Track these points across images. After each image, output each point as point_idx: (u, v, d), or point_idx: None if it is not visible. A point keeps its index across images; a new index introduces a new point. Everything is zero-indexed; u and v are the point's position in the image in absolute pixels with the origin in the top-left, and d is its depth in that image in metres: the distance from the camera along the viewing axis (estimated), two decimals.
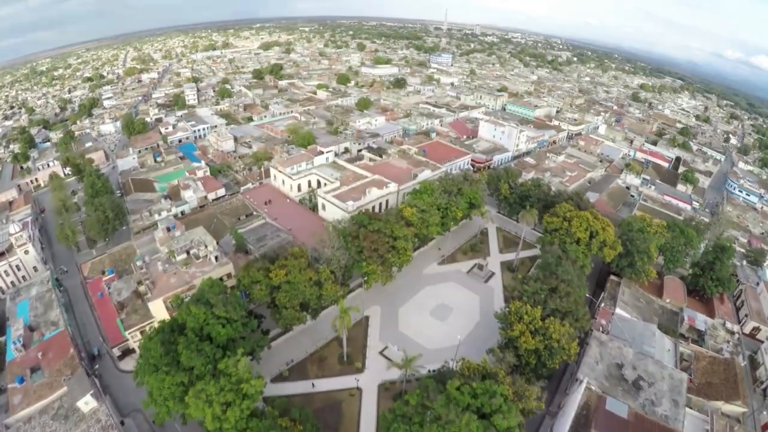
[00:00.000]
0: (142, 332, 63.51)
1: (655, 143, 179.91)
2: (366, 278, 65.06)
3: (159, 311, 61.13)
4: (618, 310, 72.36)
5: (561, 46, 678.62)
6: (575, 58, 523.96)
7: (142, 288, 65.37)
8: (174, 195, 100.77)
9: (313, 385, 58.37)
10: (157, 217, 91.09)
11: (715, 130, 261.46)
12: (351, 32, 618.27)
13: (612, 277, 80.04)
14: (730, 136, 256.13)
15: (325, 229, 74.67)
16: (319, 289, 56.33)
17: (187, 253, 66.82)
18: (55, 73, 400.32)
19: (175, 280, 63.03)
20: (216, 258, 65.33)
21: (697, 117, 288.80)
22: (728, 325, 74.28)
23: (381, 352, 62.81)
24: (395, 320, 68.98)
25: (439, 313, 70.72)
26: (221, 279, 64.12)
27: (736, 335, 73.12)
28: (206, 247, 66.75)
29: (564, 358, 56.31)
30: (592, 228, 73.31)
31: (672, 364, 62.65)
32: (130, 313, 65.57)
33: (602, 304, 74.11)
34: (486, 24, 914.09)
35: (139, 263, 67.59)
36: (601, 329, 67.75)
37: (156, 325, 61.29)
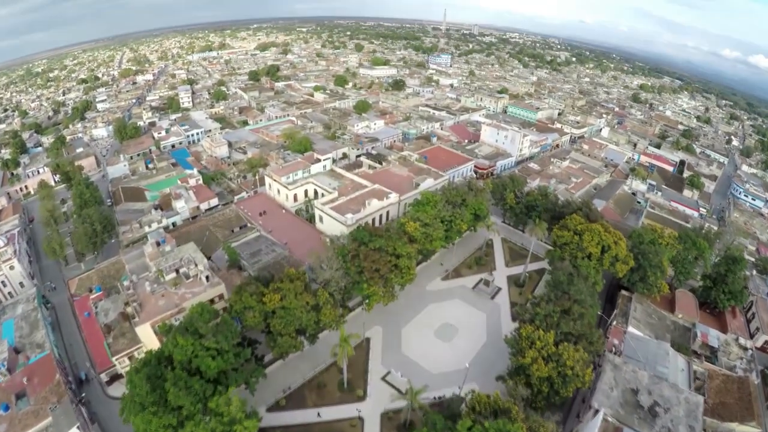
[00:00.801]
0: (130, 358, 60.02)
1: (658, 146, 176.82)
2: (367, 300, 61.28)
3: (147, 336, 57.37)
4: (630, 328, 69.30)
5: (559, 46, 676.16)
6: (574, 59, 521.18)
7: (129, 309, 61.62)
8: (165, 205, 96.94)
9: (318, 414, 54.75)
10: (147, 229, 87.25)
11: (716, 132, 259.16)
12: (349, 33, 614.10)
13: (623, 292, 76.71)
14: (732, 137, 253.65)
15: (323, 244, 71.27)
16: (317, 314, 52.68)
17: (177, 272, 63.03)
18: (51, 75, 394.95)
19: (163, 302, 59.27)
20: (207, 278, 61.52)
21: (698, 118, 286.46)
22: (741, 340, 71.56)
23: (383, 378, 59.19)
24: (398, 342, 65.29)
25: (444, 334, 67.10)
26: (212, 300, 60.54)
27: (750, 351, 70.31)
28: (196, 265, 62.93)
29: (578, 386, 53.04)
30: (604, 242, 69.93)
31: (686, 384, 59.98)
32: (117, 336, 61.79)
33: (614, 322, 70.91)
34: (484, 24, 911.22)
35: (126, 283, 63.77)
36: (613, 349, 64.78)
37: (144, 351, 58.10)
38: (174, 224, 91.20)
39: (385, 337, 65.86)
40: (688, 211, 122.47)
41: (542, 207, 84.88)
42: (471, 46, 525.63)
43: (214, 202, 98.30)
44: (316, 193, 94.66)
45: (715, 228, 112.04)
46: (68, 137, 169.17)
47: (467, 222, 78.25)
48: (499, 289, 77.64)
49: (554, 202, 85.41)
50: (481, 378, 59.84)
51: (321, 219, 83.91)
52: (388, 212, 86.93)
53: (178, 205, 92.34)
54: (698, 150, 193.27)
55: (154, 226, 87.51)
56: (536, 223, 75.79)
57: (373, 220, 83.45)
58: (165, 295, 59.99)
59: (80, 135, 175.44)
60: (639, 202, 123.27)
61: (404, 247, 60.71)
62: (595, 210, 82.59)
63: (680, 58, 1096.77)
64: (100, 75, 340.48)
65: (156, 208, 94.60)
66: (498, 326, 69.66)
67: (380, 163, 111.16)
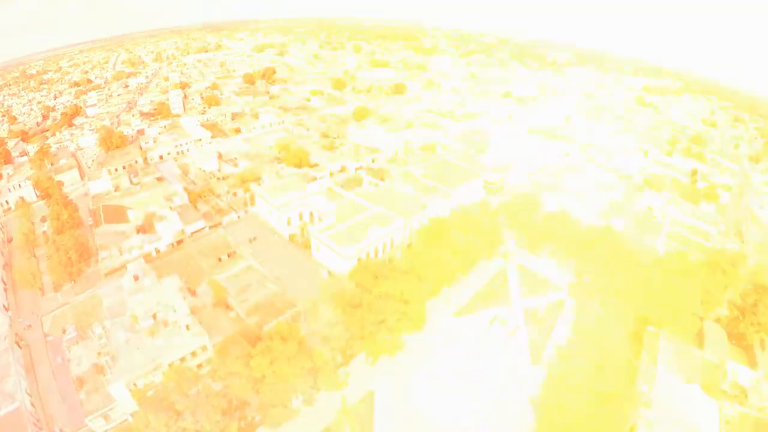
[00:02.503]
0: (105, 418, 52.73)
1: (669, 153, 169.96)
2: (371, 359, 53.72)
3: (122, 396, 50.05)
4: (660, 371, 63.08)
5: (558, 47, 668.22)
6: (574, 59, 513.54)
7: (102, 360, 54.32)
8: (148, 227, 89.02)
9: None
10: (127, 255, 79.66)
11: (723, 136, 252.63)
12: (347, 33, 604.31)
13: (650, 328, 70.00)
14: (739, 142, 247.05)
15: (320, 278, 63.99)
16: (314, 378, 45.39)
17: (154, 317, 55.62)
18: (45, 77, 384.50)
19: (139, 355, 51.90)
20: (187, 326, 54.10)
21: (704, 121, 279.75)
22: None
23: None
24: (407, 393, 57.63)
25: (459, 383, 59.45)
26: (194, 353, 53.31)
27: None
28: (175, 311, 55.45)
29: None
30: (635, 278, 62.88)
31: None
32: (90, 392, 54.32)
33: (642, 366, 64.21)
34: (482, 24, 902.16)
35: (98, 331, 56.41)
36: (644, 398, 58.47)
37: (119, 410, 51.05)
38: (157, 250, 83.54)
39: (391, 389, 58.05)
40: (706, 227, 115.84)
41: (562, 233, 77.57)
42: (471, 47, 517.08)
43: (200, 224, 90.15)
44: (312, 216, 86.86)
45: (737, 247, 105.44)
46: (54, 145, 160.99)
47: (481, 251, 70.78)
48: (517, 326, 70.22)
49: (575, 227, 78.06)
50: None
51: (317, 248, 76.10)
52: (392, 238, 79.27)
53: (162, 228, 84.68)
54: (708, 156, 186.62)
55: (135, 252, 79.89)
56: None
57: (376, 249, 75.86)
58: (140, 347, 52.60)
59: (67, 143, 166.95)
60: (656, 217, 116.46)
61: (413, 292, 53.15)
62: (619, 234, 75.57)
63: (678, 57, 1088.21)
64: (93, 77, 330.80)
65: (138, 231, 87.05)
66: (517, 370, 62.52)
67: (382, 179, 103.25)
